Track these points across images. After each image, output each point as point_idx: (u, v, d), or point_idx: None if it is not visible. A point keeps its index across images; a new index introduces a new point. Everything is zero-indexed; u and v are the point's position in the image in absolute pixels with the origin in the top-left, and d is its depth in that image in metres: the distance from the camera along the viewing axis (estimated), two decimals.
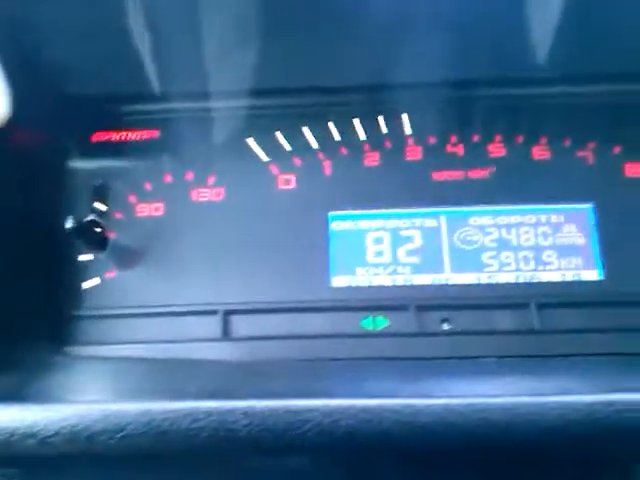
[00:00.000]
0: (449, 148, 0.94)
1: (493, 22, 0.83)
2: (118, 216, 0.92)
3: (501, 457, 0.58)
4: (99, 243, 0.86)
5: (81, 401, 0.54)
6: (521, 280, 0.87)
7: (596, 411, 0.55)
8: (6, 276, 0.80)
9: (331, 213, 0.91)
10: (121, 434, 0.50)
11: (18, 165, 0.83)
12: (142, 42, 0.83)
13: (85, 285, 0.89)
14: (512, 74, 0.93)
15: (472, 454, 0.56)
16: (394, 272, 0.88)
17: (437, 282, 0.87)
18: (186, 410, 0.51)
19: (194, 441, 0.51)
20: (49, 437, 0.51)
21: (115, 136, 0.96)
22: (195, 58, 0.84)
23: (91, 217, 0.82)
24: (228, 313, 0.86)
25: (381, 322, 0.85)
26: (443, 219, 0.90)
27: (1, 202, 0.80)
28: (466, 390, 0.62)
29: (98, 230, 0.84)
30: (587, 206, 0.89)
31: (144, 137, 0.96)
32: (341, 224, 0.90)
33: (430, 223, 0.90)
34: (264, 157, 0.94)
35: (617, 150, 0.92)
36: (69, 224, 0.79)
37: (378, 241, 0.90)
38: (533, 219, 0.90)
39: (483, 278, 0.87)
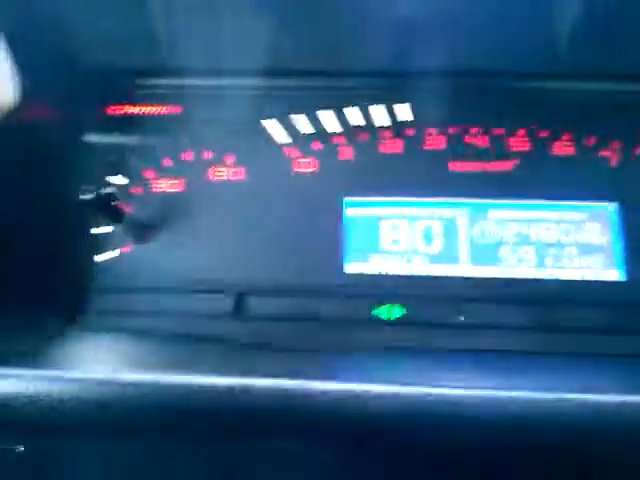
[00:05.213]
0: (470, 139, 0.92)
1: (520, 12, 0.81)
2: (135, 191, 0.92)
3: (515, 454, 0.57)
4: (115, 216, 0.86)
5: (83, 371, 0.54)
6: (539, 276, 0.85)
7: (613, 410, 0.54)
8: (20, 247, 0.80)
9: (346, 199, 0.90)
10: (115, 406, 0.50)
11: (33, 139, 0.83)
12: (161, 16, 0.83)
13: (99, 258, 0.89)
14: (538, 68, 0.91)
15: (485, 448, 0.55)
16: (409, 261, 0.87)
17: (453, 274, 0.86)
18: (183, 385, 0.51)
19: (189, 416, 0.50)
20: (54, 405, 0.51)
21: (131, 110, 0.96)
22: (216, 34, 0.83)
23: (108, 190, 0.82)
24: (241, 292, 0.86)
25: (396, 312, 0.84)
26: (463, 211, 0.88)
27: (16, 176, 0.80)
28: (477, 382, 0.60)
29: (114, 203, 0.84)
30: (612, 205, 0.87)
31: (161, 112, 0.96)
32: (356, 210, 0.89)
33: (449, 214, 0.88)
34: (283, 139, 0.94)
35: None
36: (86, 196, 0.79)
37: (394, 229, 0.88)
38: (555, 215, 0.88)
39: (500, 272, 0.85)
